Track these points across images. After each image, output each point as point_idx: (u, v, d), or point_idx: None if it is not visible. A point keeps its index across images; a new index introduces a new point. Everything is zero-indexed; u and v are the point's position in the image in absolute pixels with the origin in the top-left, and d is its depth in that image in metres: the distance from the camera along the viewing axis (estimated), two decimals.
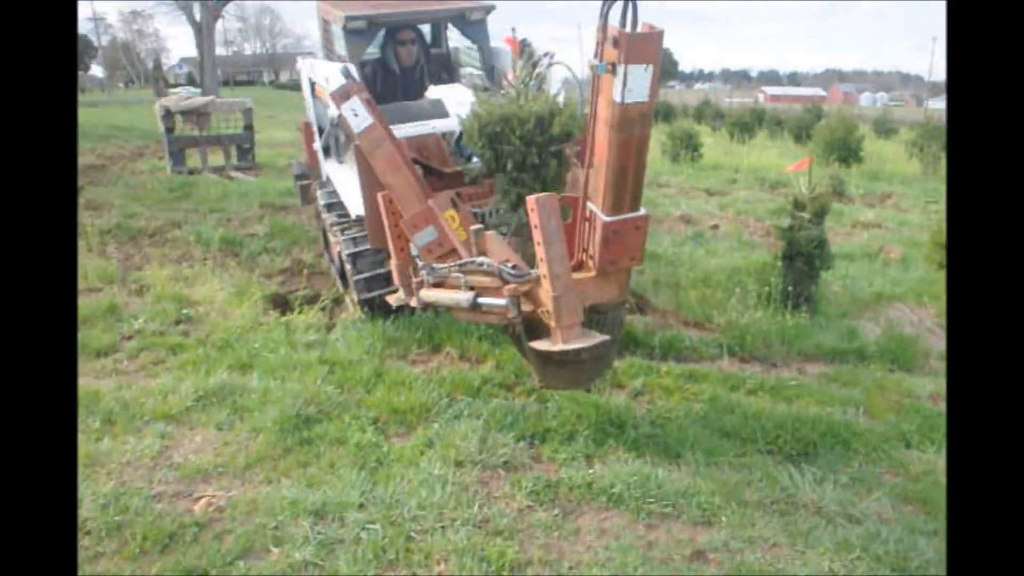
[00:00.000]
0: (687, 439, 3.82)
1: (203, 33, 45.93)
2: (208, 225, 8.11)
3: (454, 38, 6.68)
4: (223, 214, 8.91)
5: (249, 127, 12.73)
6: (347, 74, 3.86)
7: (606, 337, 3.01)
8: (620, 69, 2.59)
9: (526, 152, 4.13)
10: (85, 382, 4.43)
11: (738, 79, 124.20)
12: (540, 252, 2.92)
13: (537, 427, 3.89)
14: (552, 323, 2.97)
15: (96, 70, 78.48)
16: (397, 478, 3.39)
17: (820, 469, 3.60)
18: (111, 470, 3.52)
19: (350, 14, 5.77)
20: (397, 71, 6.22)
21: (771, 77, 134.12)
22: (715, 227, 9.04)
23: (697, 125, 20.96)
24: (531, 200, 2.87)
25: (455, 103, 5.20)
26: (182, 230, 8.01)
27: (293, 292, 5.93)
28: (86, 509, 3.17)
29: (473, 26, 6.11)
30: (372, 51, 6.33)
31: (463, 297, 3.42)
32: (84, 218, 8.22)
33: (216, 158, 12.73)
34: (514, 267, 3.19)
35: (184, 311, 5.55)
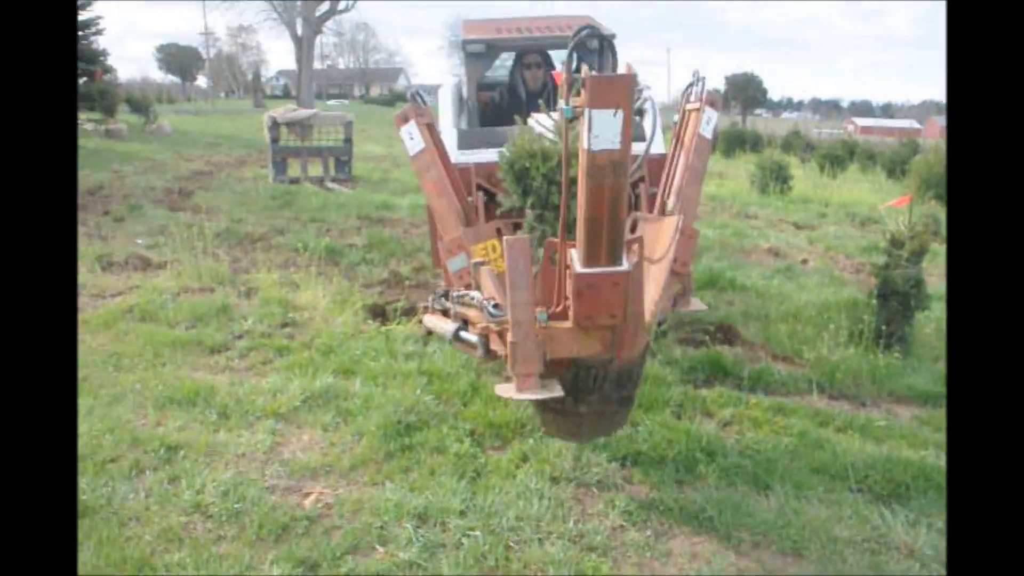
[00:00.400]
0: (776, 471, 3.86)
1: (303, 47, 47.66)
2: (309, 234, 8.49)
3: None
4: (323, 224, 9.31)
5: (348, 140, 13.24)
6: (413, 97, 3.99)
7: (558, 393, 2.80)
8: (586, 114, 2.37)
9: (548, 190, 4.10)
10: (201, 376, 4.76)
11: (828, 109, 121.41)
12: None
13: (628, 449, 3.99)
14: (509, 369, 2.82)
15: (201, 80, 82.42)
16: (495, 489, 3.54)
17: (912, 512, 3.59)
18: (228, 460, 3.79)
19: (469, 37, 5.98)
20: (523, 95, 6.30)
21: (863, 108, 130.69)
22: (804, 261, 8.97)
23: (786, 156, 20.68)
24: (504, 241, 2.76)
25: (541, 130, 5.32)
26: (285, 237, 8.42)
27: (391, 303, 6.18)
28: (208, 494, 3.43)
29: (593, 54, 6.20)
30: (502, 75, 6.46)
31: (448, 328, 3.47)
32: (196, 220, 8.73)
33: (315, 169, 13.25)
34: (496, 305, 3.07)
35: (289, 315, 5.87)
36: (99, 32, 25.12)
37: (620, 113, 2.34)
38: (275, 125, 12.41)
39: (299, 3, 47.37)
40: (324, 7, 47.41)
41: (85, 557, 3.00)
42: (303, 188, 12.12)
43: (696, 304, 4.00)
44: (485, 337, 3.18)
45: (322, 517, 3.38)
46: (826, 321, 5.91)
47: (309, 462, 3.79)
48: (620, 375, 3.04)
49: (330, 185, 12.65)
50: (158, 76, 78.47)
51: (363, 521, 3.33)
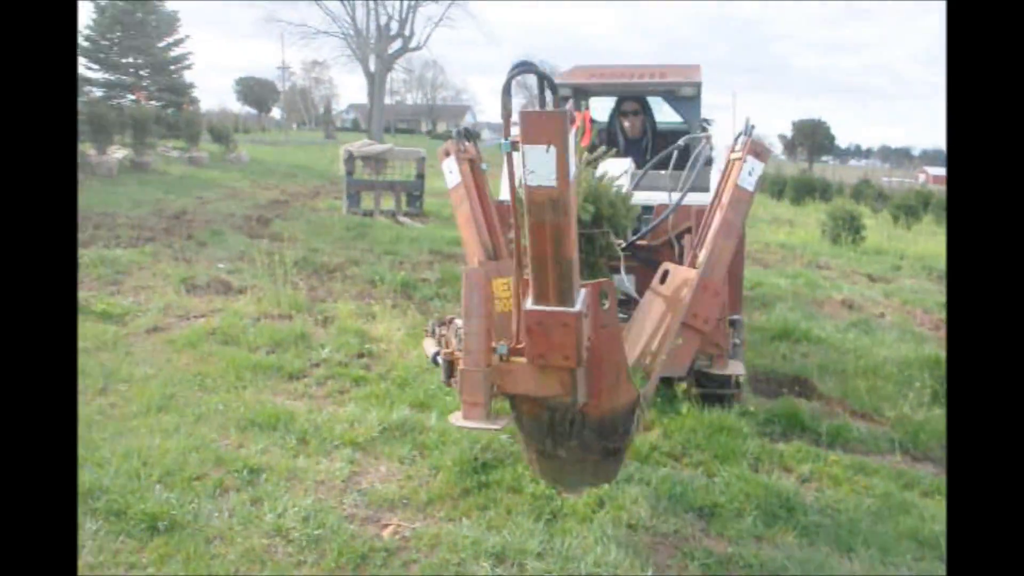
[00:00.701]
0: (859, 533, 3.75)
1: (375, 83, 48.97)
2: (384, 266, 8.66)
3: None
4: (396, 257, 9.48)
5: (421, 176, 13.49)
6: (458, 134, 4.07)
7: (496, 426, 2.83)
8: (521, 149, 2.33)
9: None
10: (281, 401, 4.87)
11: (898, 157, 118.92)
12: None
13: (706, 500, 3.93)
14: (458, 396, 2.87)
15: (275, 112, 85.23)
16: (572, 533, 3.52)
17: None
18: (307, 486, 3.85)
19: (558, 83, 6.08)
20: (622, 142, 6.29)
21: (934, 157, 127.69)
22: (881, 315, 8.76)
23: (857, 205, 20.31)
24: (462, 271, 2.82)
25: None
26: (360, 268, 8.60)
27: None
28: (289, 518, 3.49)
29: (683, 103, 6.14)
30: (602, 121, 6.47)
31: (431, 351, 3.53)
32: (274, 248, 8.99)
33: (387, 203, 13.53)
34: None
35: (365, 346, 5.97)
36: (188, 67, 26.42)
37: (553, 149, 2.28)
38: (351, 158, 12.75)
39: (373, 41, 48.78)
40: (396, 45, 48.76)
41: (173, 570, 3.08)
42: (376, 221, 12.38)
43: (734, 367, 3.69)
44: (450, 363, 3.21)
45: (400, 550, 3.41)
46: (907, 378, 5.75)
47: (387, 493, 3.83)
48: (602, 425, 2.98)
49: (402, 219, 12.89)
50: (236, 107, 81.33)
51: (441, 557, 3.34)
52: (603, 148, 4.37)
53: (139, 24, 24.25)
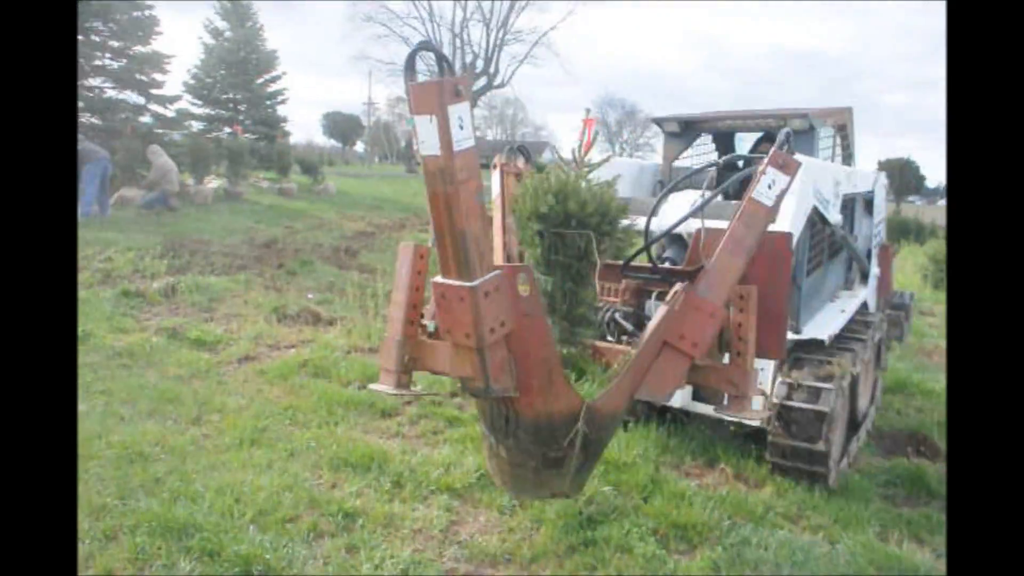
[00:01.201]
0: None
1: None
2: None
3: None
4: None
5: None
6: (509, 152, 4.56)
7: (397, 392, 2.98)
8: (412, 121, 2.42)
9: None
10: (373, 439, 4.70)
11: None
12: None
13: (829, 569, 3.56)
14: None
15: (359, 146, 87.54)
16: None
17: None
18: (404, 535, 3.64)
19: (664, 116, 5.89)
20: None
21: None
22: None
23: None
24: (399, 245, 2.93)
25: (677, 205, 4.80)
26: None
27: None
28: (386, 569, 3.29)
29: (797, 137, 5.88)
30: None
31: None
32: (363, 280, 8.97)
33: None
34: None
35: (457, 385, 5.77)
36: (282, 102, 27.30)
37: (435, 119, 2.32)
38: None
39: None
40: (481, 82, 49.45)
41: None
42: None
43: (750, 413, 3.30)
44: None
45: None
46: None
47: (488, 547, 3.59)
48: (537, 428, 2.87)
49: None
50: (321, 140, 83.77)
51: None
52: (608, 155, 4.43)
53: (241, 62, 25.21)
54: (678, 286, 3.07)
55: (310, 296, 8.36)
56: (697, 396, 4.60)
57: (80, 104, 16.52)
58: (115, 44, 17.52)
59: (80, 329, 6.09)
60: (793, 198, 3.92)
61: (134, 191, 14.95)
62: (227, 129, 23.12)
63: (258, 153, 21.52)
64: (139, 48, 17.91)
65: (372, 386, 3.07)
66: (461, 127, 2.37)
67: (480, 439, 3.37)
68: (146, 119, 18.18)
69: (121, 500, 3.63)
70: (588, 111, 4.63)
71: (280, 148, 22.20)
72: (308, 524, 3.61)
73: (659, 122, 6.03)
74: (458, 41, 49.93)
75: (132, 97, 18.22)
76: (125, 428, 4.45)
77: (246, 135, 22.04)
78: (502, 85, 49.84)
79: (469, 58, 49.45)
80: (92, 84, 17.60)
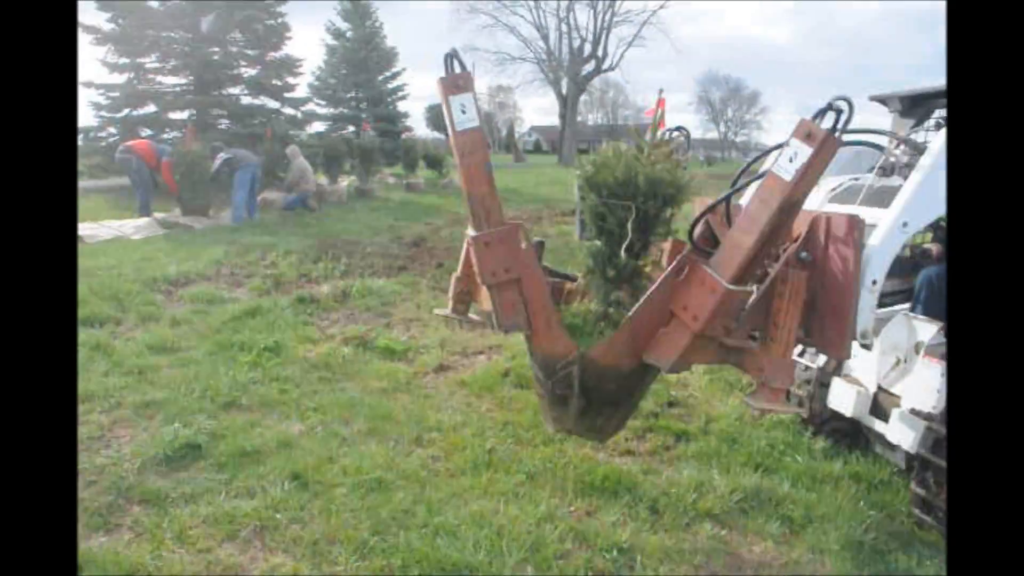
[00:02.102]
0: None
1: (567, 105, 49.18)
2: None
3: None
4: None
5: None
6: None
7: (446, 314, 3.71)
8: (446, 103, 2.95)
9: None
10: (605, 458, 4.34)
11: None
12: None
13: None
14: None
15: None
16: None
17: None
18: (687, 571, 3.26)
19: (886, 94, 5.36)
20: None
21: None
22: None
23: None
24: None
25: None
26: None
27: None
28: None
29: None
30: None
31: None
32: None
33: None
34: None
35: (671, 392, 5.36)
36: (403, 97, 27.55)
37: (459, 98, 2.95)
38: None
39: (566, 64, 49.12)
40: (589, 67, 48.81)
41: None
42: None
43: (778, 406, 3.13)
44: None
45: None
46: None
47: None
48: (545, 365, 3.32)
49: None
50: (423, 133, 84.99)
51: None
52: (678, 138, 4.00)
53: (362, 61, 25.54)
54: (687, 252, 3.19)
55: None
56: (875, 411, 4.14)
57: (222, 112, 17.01)
58: (251, 52, 17.94)
59: (272, 339, 6.01)
60: None
61: (275, 194, 15.22)
62: (351, 127, 23.44)
63: (382, 149, 21.64)
64: (273, 54, 18.28)
65: (436, 310, 3.63)
66: (464, 111, 2.98)
67: None
68: (280, 123, 18.56)
69: (378, 535, 3.39)
70: (661, 91, 4.63)
71: (407, 143, 22.33)
72: (582, 561, 3.28)
73: (883, 100, 5.42)
74: (564, 26, 49.34)
75: (267, 102, 18.64)
76: (350, 450, 4.25)
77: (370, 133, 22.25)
78: (611, 68, 48.97)
79: (576, 43, 48.80)
80: (231, 92, 18.11)
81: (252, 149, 15.01)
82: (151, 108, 17.76)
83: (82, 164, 17.55)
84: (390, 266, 9.42)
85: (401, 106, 27.34)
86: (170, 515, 3.49)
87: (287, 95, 18.76)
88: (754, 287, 3.16)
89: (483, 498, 3.79)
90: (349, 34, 26.01)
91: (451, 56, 3.03)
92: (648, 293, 3.30)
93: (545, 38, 48.84)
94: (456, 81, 2.99)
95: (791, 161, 2.98)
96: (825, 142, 2.92)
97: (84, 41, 17.19)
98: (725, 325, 3.21)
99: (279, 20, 18.05)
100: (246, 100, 18.43)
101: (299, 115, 19.99)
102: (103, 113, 17.44)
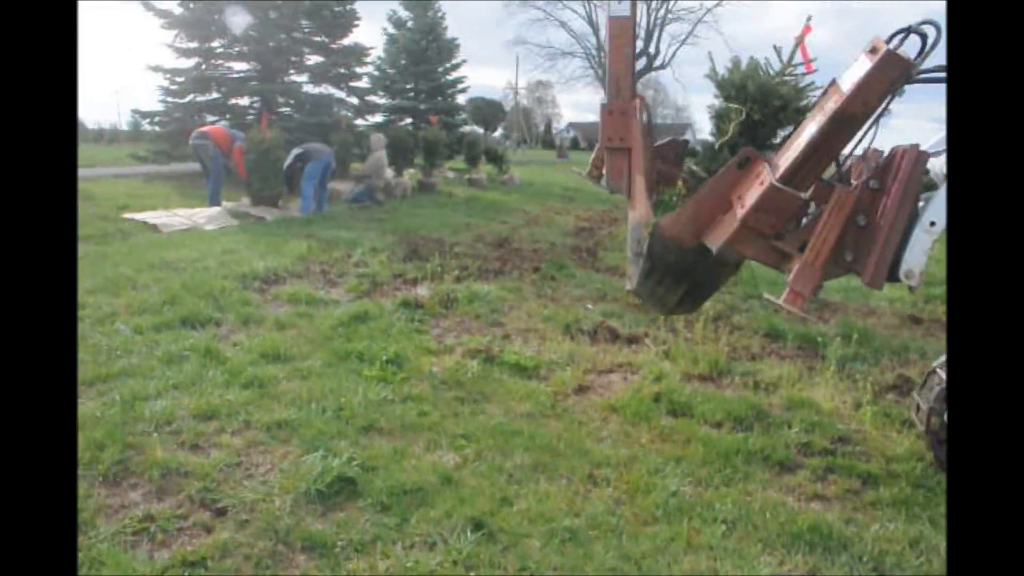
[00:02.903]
0: None
1: None
2: (770, 313, 7.47)
3: None
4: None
5: None
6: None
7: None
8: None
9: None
10: (796, 504, 3.82)
11: None
12: None
13: None
14: None
15: (498, 131, 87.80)
16: None
17: None
18: None
19: None
20: None
21: None
22: None
23: None
24: None
25: None
26: (744, 316, 7.49)
27: None
28: None
29: None
30: None
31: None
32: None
33: None
34: None
35: (838, 426, 4.81)
36: (464, 90, 27.09)
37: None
38: None
39: None
40: (641, 63, 47.95)
41: None
42: None
43: (795, 309, 3.47)
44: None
45: None
46: None
47: None
48: (632, 228, 4.04)
49: None
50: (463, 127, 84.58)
51: None
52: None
53: (422, 52, 25.07)
54: (750, 147, 3.69)
55: (589, 307, 7.60)
56: None
57: (286, 100, 16.65)
58: (318, 39, 17.53)
59: (392, 350, 5.56)
60: None
61: (342, 184, 14.81)
62: (409, 119, 23.02)
63: (443, 143, 21.17)
64: (340, 42, 17.88)
65: (574, 169, 4.03)
66: (620, 3, 4.04)
67: None
68: (347, 112, 18.17)
69: None
70: (810, 18, 4.51)
71: (469, 137, 21.86)
72: None
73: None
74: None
75: (332, 91, 18.26)
76: (522, 490, 3.76)
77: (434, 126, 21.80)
78: (663, 66, 48.11)
79: None
80: (296, 80, 17.74)
81: (324, 139, 14.58)
82: (214, 94, 17.43)
83: (146, 150, 17.32)
84: (484, 268, 8.92)
85: (460, 99, 26.91)
86: (345, 569, 3.03)
87: (353, 84, 18.32)
88: (806, 195, 3.52)
89: (691, 553, 3.29)
90: (410, 23, 25.57)
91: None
92: (712, 178, 3.77)
93: (596, 34, 48.12)
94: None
95: (853, 74, 3.23)
96: (886, 59, 3.12)
97: (154, 25, 16.93)
98: (774, 224, 3.54)
99: (347, 7, 17.61)
100: (311, 88, 18.03)
101: (363, 104, 19.50)
102: (169, 98, 17.13)
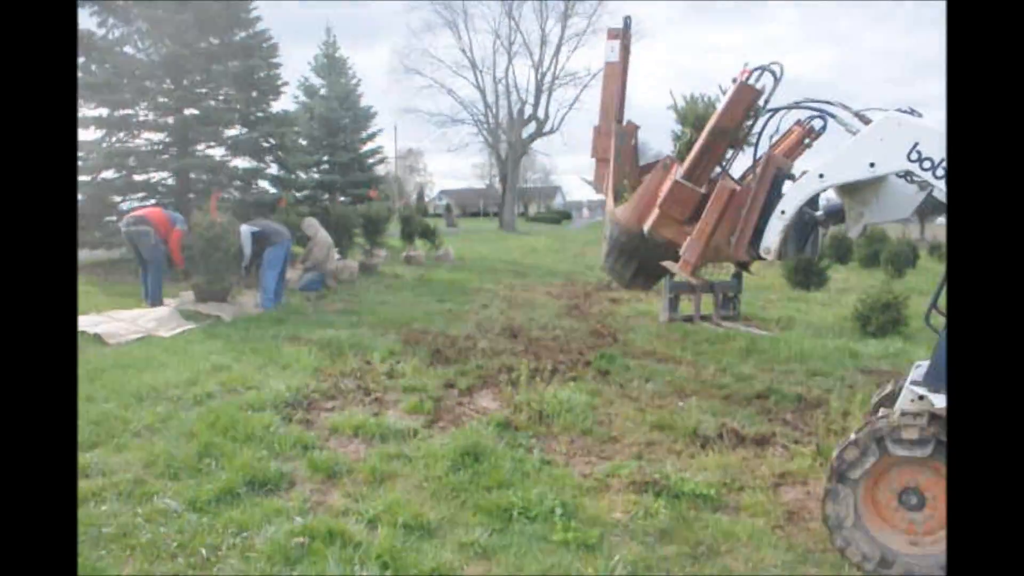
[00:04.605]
0: None
1: (508, 168, 48.32)
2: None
3: None
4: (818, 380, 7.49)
5: (738, 275, 11.68)
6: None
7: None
8: None
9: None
10: None
11: None
12: None
13: None
14: None
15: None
16: None
17: None
18: None
19: None
20: None
21: None
22: None
23: None
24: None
25: None
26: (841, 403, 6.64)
27: None
28: None
29: None
30: None
31: None
32: (708, 378, 7.21)
33: (688, 306, 11.73)
34: None
35: None
36: (382, 160, 25.60)
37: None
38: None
39: (506, 126, 48.43)
40: (530, 129, 48.17)
41: None
42: (700, 328, 10.60)
43: (680, 271, 4.80)
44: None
45: None
46: None
47: None
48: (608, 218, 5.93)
49: (724, 324, 11.03)
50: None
51: None
52: None
53: (337, 121, 23.50)
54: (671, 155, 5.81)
55: (681, 405, 6.54)
56: None
57: (215, 177, 14.85)
58: (238, 108, 15.66)
59: (551, 498, 4.29)
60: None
61: (289, 271, 13.16)
62: (325, 195, 21.43)
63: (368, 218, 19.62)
64: (269, 109, 16.19)
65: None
66: (611, 51, 5.89)
67: None
68: (271, 188, 16.39)
69: None
70: (746, 64, 4.80)
71: (404, 212, 20.51)
72: None
73: None
74: (500, 87, 48.70)
75: (253, 163, 16.46)
76: None
77: (373, 200, 20.26)
78: (552, 131, 48.43)
79: (517, 105, 48.20)
80: (212, 153, 15.83)
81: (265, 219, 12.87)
82: (123, 171, 15.17)
83: None
84: (537, 369, 7.57)
85: (379, 170, 25.47)
86: None
87: (281, 155, 16.48)
88: (702, 189, 4.75)
89: None
90: (323, 91, 24.05)
91: (627, 19, 5.88)
92: (647, 179, 5.30)
93: (484, 100, 48.09)
94: (615, 33, 5.83)
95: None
96: (740, 86, 4.43)
97: None
98: (682, 211, 4.76)
99: (272, 72, 15.96)
100: (229, 161, 16.10)
101: (292, 179, 17.60)
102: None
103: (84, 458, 4.82)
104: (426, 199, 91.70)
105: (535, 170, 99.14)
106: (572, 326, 10.65)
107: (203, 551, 3.67)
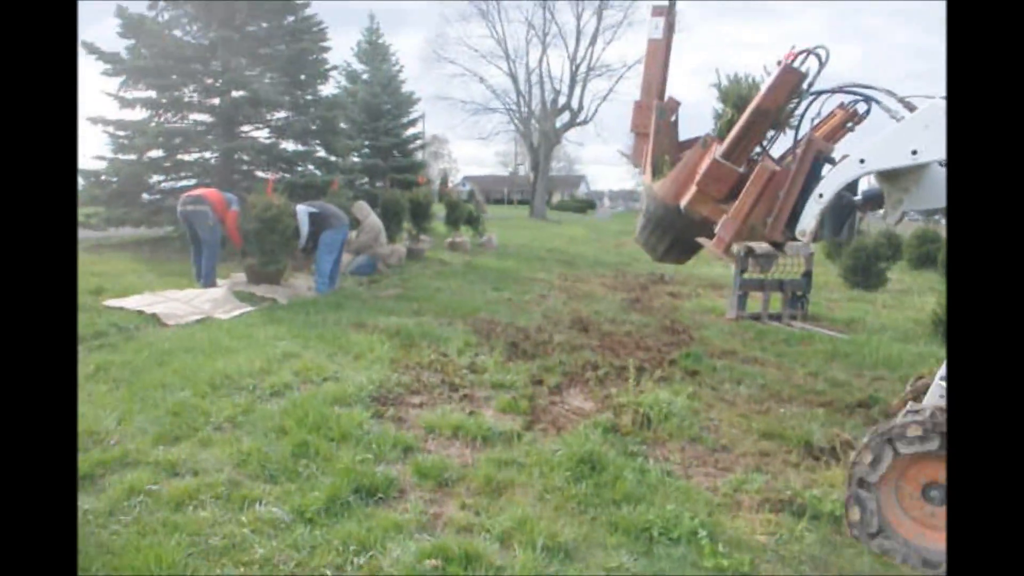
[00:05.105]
0: None
1: (540, 157, 47.82)
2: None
3: None
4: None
5: (808, 274, 11.21)
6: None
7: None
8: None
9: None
10: None
11: None
12: None
13: None
14: None
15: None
16: None
17: None
18: None
19: None
20: None
21: None
22: None
23: None
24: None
25: None
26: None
27: None
28: None
29: None
30: None
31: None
32: (805, 383, 6.76)
33: (754, 303, 11.28)
34: None
35: None
36: (423, 146, 25.28)
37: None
38: (747, 255, 10.54)
39: (537, 115, 47.87)
40: (564, 118, 47.60)
41: None
42: (770, 328, 10.15)
43: (714, 248, 4.96)
44: None
45: None
46: None
47: None
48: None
49: (793, 324, 10.57)
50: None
51: None
52: None
53: (380, 106, 23.11)
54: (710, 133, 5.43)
55: (783, 412, 6.13)
56: None
57: (244, 156, 14.53)
58: (288, 92, 15.37)
59: (692, 519, 3.89)
60: None
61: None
62: (365, 179, 21.07)
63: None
64: (316, 93, 15.86)
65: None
66: (656, 28, 5.62)
67: None
68: (320, 171, 16.06)
69: None
70: (793, 46, 4.71)
71: (449, 198, 20.17)
72: None
73: None
74: (533, 77, 48.10)
75: (298, 146, 16.16)
76: None
77: (406, 187, 19.86)
78: (585, 121, 47.81)
79: (550, 95, 47.61)
80: (257, 135, 15.54)
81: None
82: (166, 150, 14.96)
83: (83, 214, 14.60)
84: (619, 367, 7.19)
85: (419, 156, 25.09)
86: None
87: (328, 138, 16.16)
88: (741, 169, 4.89)
89: None
90: (366, 76, 23.68)
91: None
92: (686, 156, 5.35)
93: (517, 88, 47.54)
94: (659, 10, 5.68)
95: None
96: (785, 68, 4.48)
97: (93, 72, 14.52)
98: (719, 189, 4.88)
99: (321, 56, 15.66)
100: (286, 146, 15.81)
101: (342, 163, 17.31)
102: (121, 155, 14.58)
103: (171, 454, 4.50)
104: (450, 185, 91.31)
105: (559, 159, 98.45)
106: (641, 321, 10.23)
107: (328, 573, 3.30)
